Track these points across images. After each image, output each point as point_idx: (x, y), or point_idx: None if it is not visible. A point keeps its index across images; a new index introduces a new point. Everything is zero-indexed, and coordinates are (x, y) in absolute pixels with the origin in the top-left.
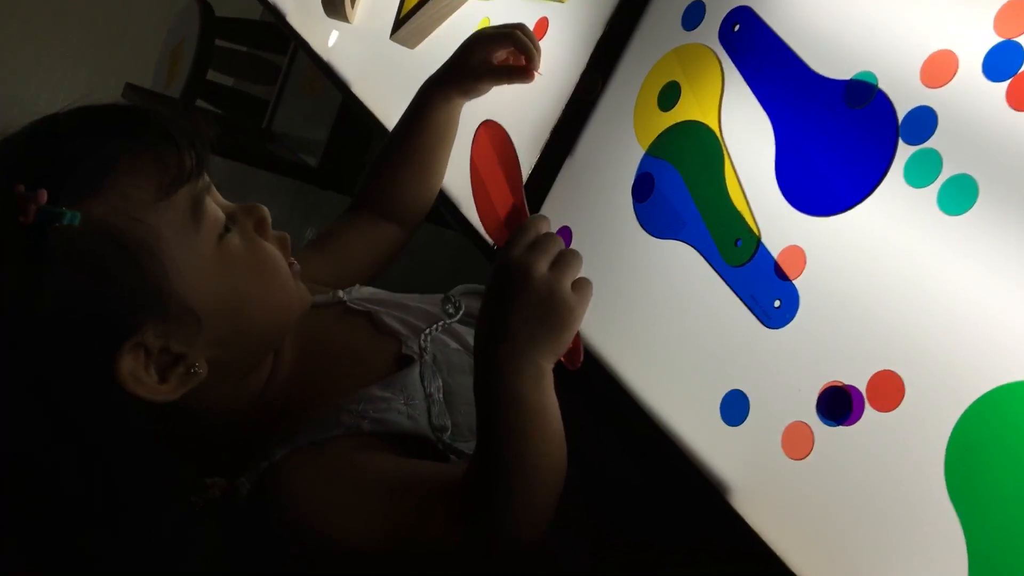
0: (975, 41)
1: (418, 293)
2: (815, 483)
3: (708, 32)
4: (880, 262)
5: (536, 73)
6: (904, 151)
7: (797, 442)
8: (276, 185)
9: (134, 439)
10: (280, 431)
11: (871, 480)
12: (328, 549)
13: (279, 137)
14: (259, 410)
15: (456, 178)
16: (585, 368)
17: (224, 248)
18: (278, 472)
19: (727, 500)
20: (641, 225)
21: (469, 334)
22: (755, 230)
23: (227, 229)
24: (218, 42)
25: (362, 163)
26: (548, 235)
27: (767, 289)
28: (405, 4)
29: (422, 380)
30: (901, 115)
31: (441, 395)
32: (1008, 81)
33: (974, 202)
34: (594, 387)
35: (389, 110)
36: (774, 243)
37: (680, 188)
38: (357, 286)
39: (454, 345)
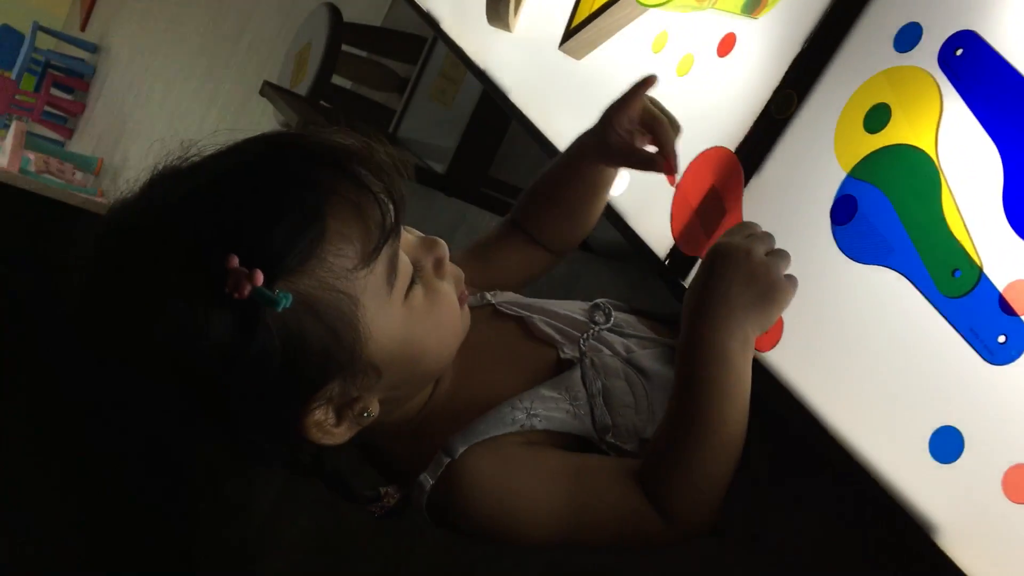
0: None
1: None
2: None
3: (925, 55)
4: None
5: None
6: None
7: (1022, 485)
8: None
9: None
10: (452, 430)
11: None
12: (520, 536)
13: (405, 143)
14: (425, 418)
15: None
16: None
17: (409, 303)
18: (462, 467)
19: (934, 541)
20: (841, 249)
21: (618, 342)
22: (977, 261)
23: (412, 280)
24: (344, 47)
25: (488, 175)
26: (765, 232)
27: (990, 323)
28: (578, 13)
29: (584, 382)
30: None
31: (601, 398)
32: None
33: None
34: (785, 417)
35: (550, 120)
36: (999, 276)
37: (888, 213)
38: (500, 292)
39: (606, 351)
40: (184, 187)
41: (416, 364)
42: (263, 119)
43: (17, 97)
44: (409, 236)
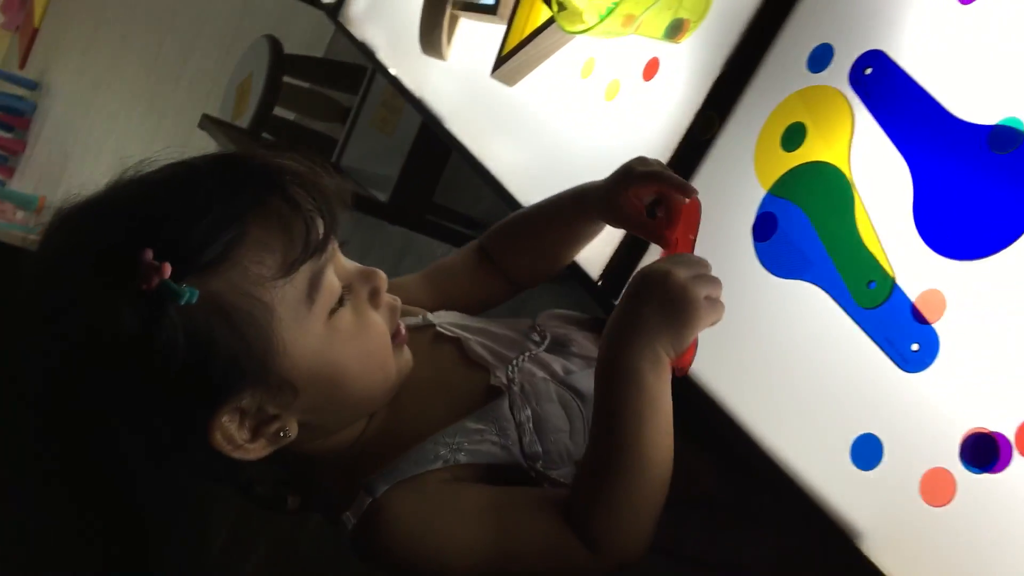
0: None
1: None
2: (958, 531)
3: (837, 75)
4: None
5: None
6: None
7: (937, 489)
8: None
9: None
10: (378, 466)
11: (1021, 530)
12: (444, 574)
13: (348, 172)
14: (353, 452)
15: None
16: (706, 411)
17: (333, 323)
18: (383, 507)
19: (858, 546)
20: (763, 265)
21: (555, 361)
22: (890, 272)
23: (340, 302)
24: (285, 78)
25: (433, 202)
26: (699, 258)
27: (904, 332)
28: (508, 41)
29: (512, 410)
30: None
31: (531, 424)
32: None
33: None
34: (715, 430)
35: (486, 147)
36: (911, 286)
37: (806, 228)
38: (445, 311)
39: (541, 374)
40: (124, 189)
41: (337, 389)
42: (207, 152)
43: None
44: (348, 263)
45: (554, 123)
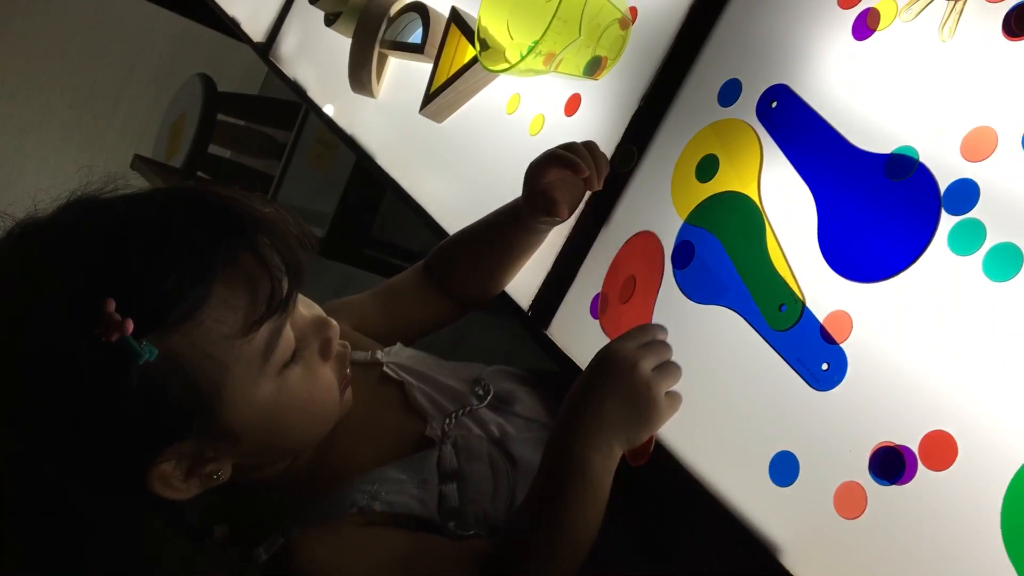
0: (1013, 118)
1: (445, 358)
2: (869, 542)
3: (745, 108)
4: (928, 325)
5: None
6: (947, 221)
7: (849, 502)
8: None
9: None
10: (298, 504)
11: (927, 538)
12: None
13: (285, 209)
14: (278, 484)
15: None
16: None
17: (283, 379)
18: (296, 549)
19: (779, 560)
20: (682, 291)
21: (493, 421)
22: (799, 295)
23: (292, 357)
24: (219, 116)
25: (371, 236)
26: (663, 343)
27: (814, 352)
28: (436, 79)
29: (439, 465)
30: (943, 187)
31: (455, 484)
32: None
33: (1019, 269)
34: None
35: (417, 182)
36: (819, 308)
37: (721, 255)
38: (399, 346)
39: (476, 431)
40: (92, 219)
41: (277, 438)
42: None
43: None
44: (303, 312)
45: (482, 158)
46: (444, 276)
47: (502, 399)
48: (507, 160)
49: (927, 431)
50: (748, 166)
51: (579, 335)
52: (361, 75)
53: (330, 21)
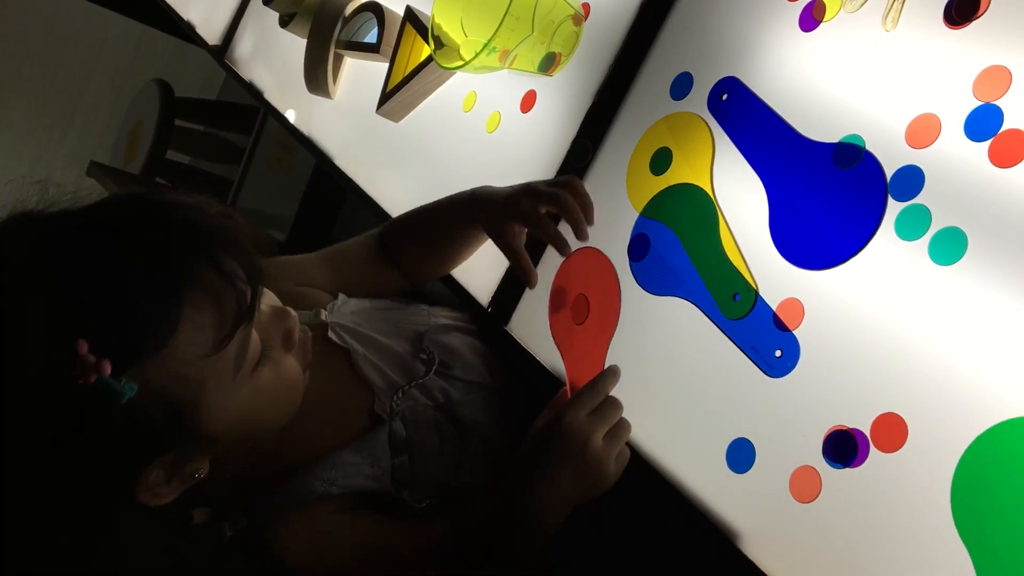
0: (956, 105)
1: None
2: (825, 524)
3: (697, 101)
4: (877, 310)
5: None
6: (894, 207)
7: (805, 486)
8: None
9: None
10: (259, 486)
11: (880, 518)
12: None
13: (245, 213)
14: (247, 465)
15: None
16: None
17: (255, 381)
18: (260, 533)
19: (737, 546)
20: (638, 283)
21: (437, 387)
22: (752, 284)
23: (260, 359)
24: (177, 122)
25: (331, 237)
26: (612, 402)
27: (767, 340)
28: (392, 78)
29: (390, 441)
30: (889, 174)
31: (407, 456)
32: (989, 141)
33: (964, 253)
34: None
35: (375, 181)
36: (772, 296)
37: (676, 247)
38: (342, 298)
39: (423, 400)
40: (46, 252)
41: (253, 431)
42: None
43: None
44: (263, 308)
45: (440, 156)
46: (396, 250)
47: (445, 364)
48: (465, 157)
49: (878, 414)
50: (700, 158)
51: (540, 329)
52: (317, 76)
53: (285, 22)
